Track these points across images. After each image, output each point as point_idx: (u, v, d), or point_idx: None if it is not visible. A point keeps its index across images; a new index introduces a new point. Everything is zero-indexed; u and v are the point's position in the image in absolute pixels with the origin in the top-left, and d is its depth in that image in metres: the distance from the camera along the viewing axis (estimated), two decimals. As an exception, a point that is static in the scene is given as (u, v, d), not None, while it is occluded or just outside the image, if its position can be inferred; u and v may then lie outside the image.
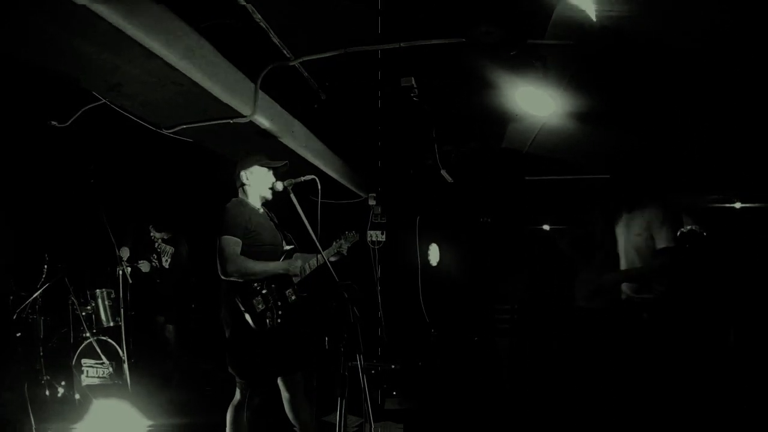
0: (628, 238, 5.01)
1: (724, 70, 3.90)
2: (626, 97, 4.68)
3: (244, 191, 4.06)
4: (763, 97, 4.30)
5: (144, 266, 6.72)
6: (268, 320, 3.78)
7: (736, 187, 7.61)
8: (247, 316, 3.71)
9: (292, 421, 4.14)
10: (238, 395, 4.00)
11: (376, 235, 7.51)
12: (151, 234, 6.99)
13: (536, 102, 4.48)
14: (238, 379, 3.96)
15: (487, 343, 8.24)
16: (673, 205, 5.72)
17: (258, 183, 4.03)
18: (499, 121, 5.41)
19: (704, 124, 5.10)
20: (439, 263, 8.57)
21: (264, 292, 3.82)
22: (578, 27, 3.32)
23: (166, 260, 7.02)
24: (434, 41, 3.90)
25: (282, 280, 4.00)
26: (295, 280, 4.11)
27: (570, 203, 7.63)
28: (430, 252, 8.47)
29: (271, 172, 4.07)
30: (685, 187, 7.39)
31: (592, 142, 5.75)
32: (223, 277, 3.75)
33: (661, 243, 4.78)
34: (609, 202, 5.34)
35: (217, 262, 3.73)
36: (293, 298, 4.02)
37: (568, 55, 3.83)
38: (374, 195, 7.67)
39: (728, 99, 4.51)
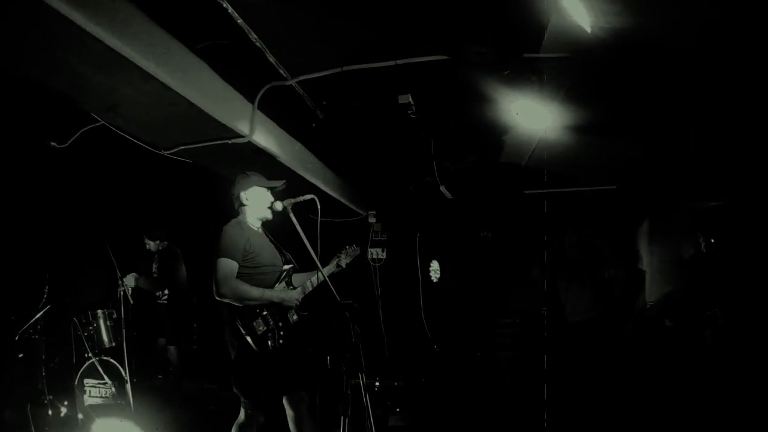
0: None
1: (721, 72, 3.92)
2: (624, 107, 4.69)
3: (243, 212, 4.04)
4: (760, 97, 4.32)
5: (129, 281, 6.46)
6: (269, 341, 3.77)
7: (738, 191, 7.59)
8: (249, 339, 3.70)
9: None
10: (242, 415, 3.99)
11: (376, 253, 7.52)
12: (147, 246, 6.95)
13: (534, 115, 4.49)
14: (242, 399, 3.94)
15: (489, 358, 8.20)
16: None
17: (257, 203, 4.00)
18: (497, 135, 5.42)
19: (701, 123, 5.09)
20: (440, 279, 8.56)
21: (264, 313, 3.81)
22: (573, 39, 3.34)
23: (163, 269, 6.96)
24: (429, 58, 3.92)
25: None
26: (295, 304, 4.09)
27: (570, 216, 7.63)
28: (431, 268, 8.46)
29: (269, 192, 4.05)
30: (686, 193, 7.38)
31: (590, 154, 5.75)
32: (217, 299, 3.74)
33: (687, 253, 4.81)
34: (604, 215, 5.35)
35: (213, 283, 3.72)
36: (295, 318, 4.00)
37: (564, 67, 3.85)
38: (374, 213, 7.68)
39: (725, 101, 4.52)
